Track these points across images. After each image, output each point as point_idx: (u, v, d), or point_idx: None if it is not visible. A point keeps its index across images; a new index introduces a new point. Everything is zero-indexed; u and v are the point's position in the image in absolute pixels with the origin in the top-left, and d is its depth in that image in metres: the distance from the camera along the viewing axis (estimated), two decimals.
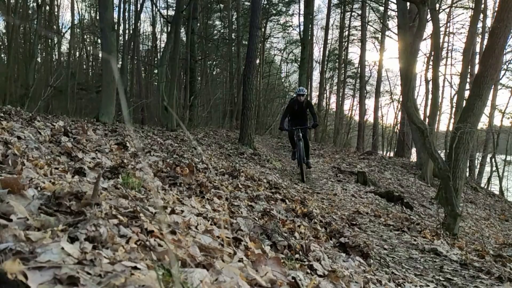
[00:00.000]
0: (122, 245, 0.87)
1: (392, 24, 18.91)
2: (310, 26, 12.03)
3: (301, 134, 6.71)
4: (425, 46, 20.66)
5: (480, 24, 12.82)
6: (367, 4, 18.62)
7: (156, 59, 21.29)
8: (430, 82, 13.06)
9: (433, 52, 10.10)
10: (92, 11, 21.79)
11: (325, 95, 22.95)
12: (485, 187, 14.70)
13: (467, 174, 12.93)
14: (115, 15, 16.96)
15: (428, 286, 2.03)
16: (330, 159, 11.49)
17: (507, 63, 13.54)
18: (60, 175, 1.63)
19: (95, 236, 0.85)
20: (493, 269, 2.53)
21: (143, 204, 1.34)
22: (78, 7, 22.92)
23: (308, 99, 8.28)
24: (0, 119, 2.87)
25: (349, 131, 23.21)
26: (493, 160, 14.82)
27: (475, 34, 11.69)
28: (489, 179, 15.41)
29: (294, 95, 7.20)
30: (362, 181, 7.84)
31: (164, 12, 19.86)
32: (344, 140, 21.47)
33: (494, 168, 14.91)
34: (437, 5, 10.34)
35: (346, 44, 22.05)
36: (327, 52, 20.50)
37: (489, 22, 13.76)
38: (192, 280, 0.79)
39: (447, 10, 14.58)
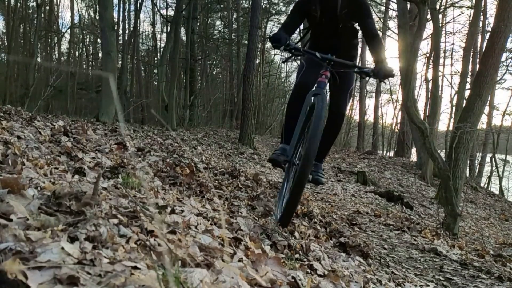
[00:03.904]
0: (122, 245, 0.87)
1: (392, 23, 18.93)
2: None
3: (325, 83, 2.33)
4: (425, 46, 20.68)
5: (480, 24, 12.81)
6: None
7: (156, 58, 21.29)
8: (430, 82, 13.07)
9: (433, 52, 10.11)
10: (91, 11, 21.80)
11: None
12: (485, 187, 14.70)
13: (467, 174, 12.94)
14: (115, 14, 16.97)
15: (428, 285, 2.02)
16: (330, 159, 11.49)
17: (507, 62, 13.54)
18: (60, 175, 1.63)
19: (95, 236, 0.85)
20: (493, 269, 2.53)
21: (143, 204, 1.34)
22: (78, 7, 22.91)
23: None
24: (0, 119, 2.87)
25: (349, 131, 23.21)
26: (493, 160, 14.82)
27: (475, 34, 11.69)
28: (489, 179, 15.41)
29: None
30: (362, 181, 7.84)
31: (163, 11, 19.87)
32: (344, 140, 21.46)
33: (494, 168, 14.91)
34: (437, 5, 10.34)
35: None
36: None
37: (489, 22, 13.75)
38: (192, 280, 0.79)
39: (444, 10, 14.55)
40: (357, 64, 2.59)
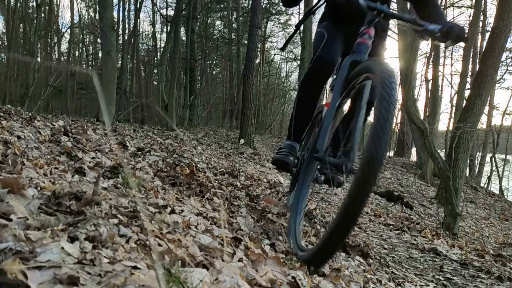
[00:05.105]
0: (122, 245, 0.87)
1: (392, 23, 18.91)
2: (310, 25, 12.03)
3: (367, 46, 1.63)
4: (425, 46, 20.67)
5: (480, 24, 12.82)
6: None
7: (156, 58, 21.29)
8: (430, 82, 13.07)
9: (433, 52, 10.11)
10: (91, 11, 21.81)
11: (325, 94, 22.90)
12: (485, 186, 14.71)
13: (467, 173, 12.95)
14: (115, 14, 16.97)
15: (428, 285, 2.02)
16: None
17: (507, 62, 13.55)
18: (60, 175, 1.63)
19: (95, 235, 0.85)
20: (493, 269, 2.53)
21: (143, 204, 1.34)
22: (78, 7, 22.94)
23: None
24: (0, 119, 2.87)
25: None
26: (493, 160, 14.82)
27: (475, 34, 11.69)
28: (489, 179, 15.42)
29: None
30: None
31: (163, 11, 19.89)
32: None
33: (494, 168, 14.92)
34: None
35: None
36: None
37: (489, 22, 13.75)
38: (192, 280, 0.79)
39: (444, 10, 14.56)
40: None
